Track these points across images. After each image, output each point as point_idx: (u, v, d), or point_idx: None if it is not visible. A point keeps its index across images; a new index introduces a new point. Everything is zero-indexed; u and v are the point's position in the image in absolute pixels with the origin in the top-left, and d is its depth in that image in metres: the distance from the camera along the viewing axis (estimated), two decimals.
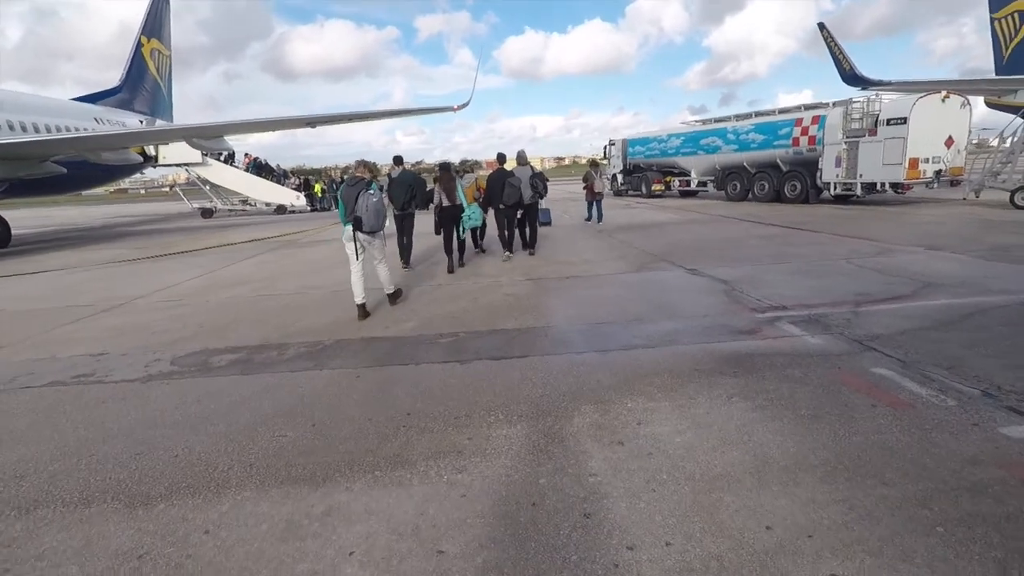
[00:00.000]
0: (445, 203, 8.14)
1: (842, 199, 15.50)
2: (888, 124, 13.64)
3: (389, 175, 8.35)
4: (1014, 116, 13.60)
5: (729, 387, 3.38)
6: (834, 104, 15.46)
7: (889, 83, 15.63)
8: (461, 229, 8.32)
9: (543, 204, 10.73)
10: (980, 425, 2.74)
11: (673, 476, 2.45)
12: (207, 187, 23.97)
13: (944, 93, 13.46)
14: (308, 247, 12.08)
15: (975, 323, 4.40)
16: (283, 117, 15.01)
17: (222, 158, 22.94)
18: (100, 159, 15.81)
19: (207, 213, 23.76)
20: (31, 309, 6.92)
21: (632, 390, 3.43)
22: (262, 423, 3.25)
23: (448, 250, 8.23)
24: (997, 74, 19.64)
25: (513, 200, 8.70)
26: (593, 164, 14.52)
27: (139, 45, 22.18)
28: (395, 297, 6.21)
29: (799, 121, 16.06)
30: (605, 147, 26.13)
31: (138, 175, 38.06)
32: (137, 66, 22.37)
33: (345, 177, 12.06)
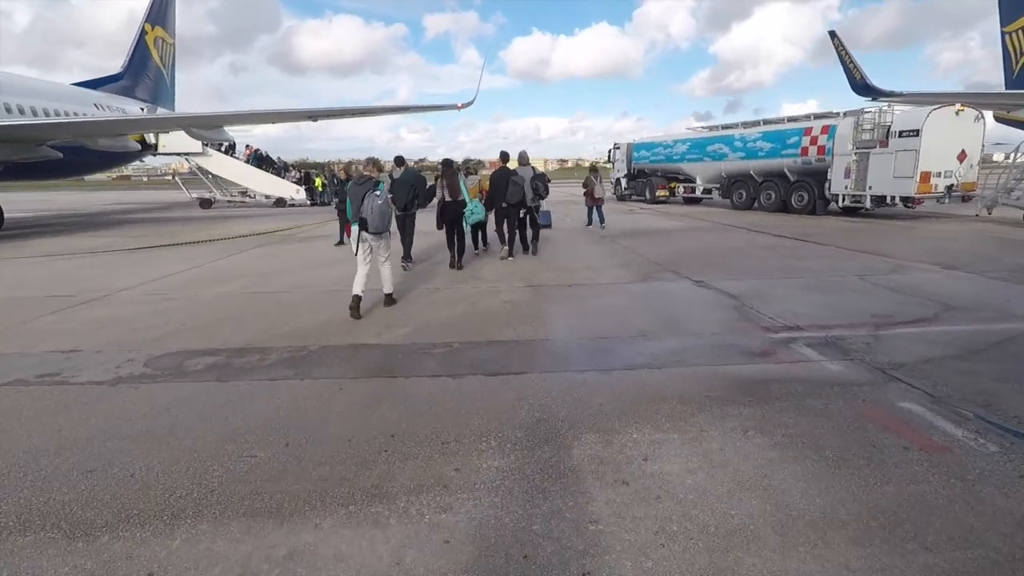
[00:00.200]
0: (448, 199, 8.09)
1: (850, 211, 15.19)
2: (900, 136, 13.34)
3: (391, 175, 8.19)
4: None
5: (744, 418, 3.09)
6: (845, 114, 15.17)
7: (900, 94, 15.33)
8: (464, 225, 8.20)
9: (544, 206, 10.53)
10: None
11: (685, 528, 2.16)
12: (209, 178, 23.67)
13: (958, 106, 13.17)
14: (304, 242, 11.80)
15: (1005, 353, 4.11)
16: (284, 110, 14.77)
17: (223, 149, 22.64)
18: (97, 145, 15.50)
19: (206, 203, 23.45)
20: (11, 297, 6.63)
21: (637, 417, 3.14)
22: (231, 439, 2.97)
23: (451, 245, 8.20)
24: (1007, 88, 19.36)
25: (517, 198, 8.59)
26: (593, 169, 14.29)
27: (143, 32, 21.88)
28: (389, 299, 5.97)
29: (808, 130, 15.76)
30: (610, 151, 25.86)
31: (141, 163, 37.83)
32: (140, 53, 22.07)
33: (343, 172, 11.81)
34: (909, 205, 13.78)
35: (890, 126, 13.60)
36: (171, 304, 6.16)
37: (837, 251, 9.21)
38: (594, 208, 13.44)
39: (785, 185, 16.49)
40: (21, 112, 14.26)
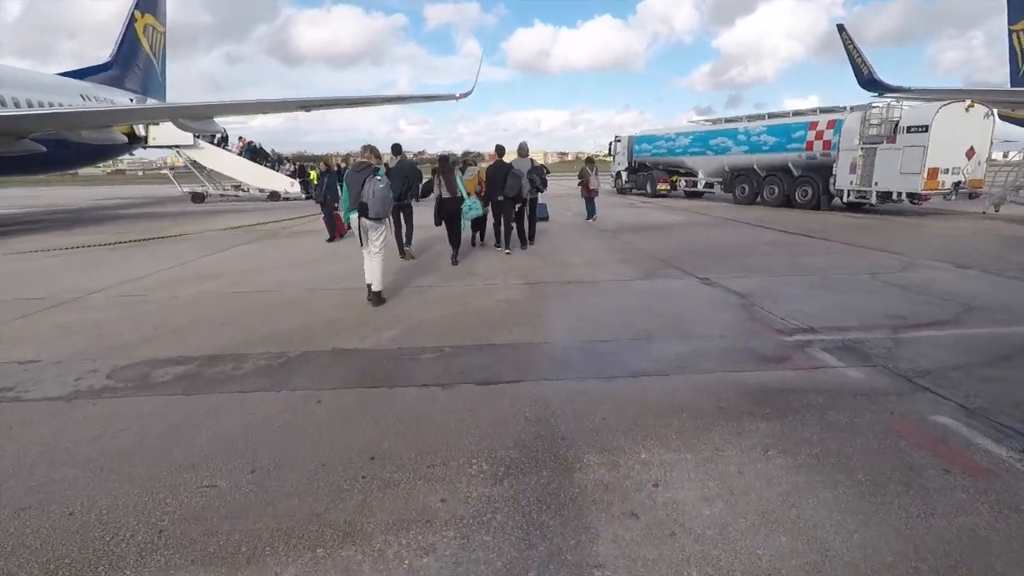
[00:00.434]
0: (445, 195, 7.87)
1: (854, 207, 14.87)
2: (908, 131, 13.00)
3: (387, 165, 7.93)
4: None
5: (763, 435, 2.79)
6: (851, 109, 14.82)
7: (908, 89, 14.98)
8: (461, 221, 8.01)
9: (541, 199, 10.29)
10: None
11: (705, 573, 1.86)
12: (204, 172, 23.19)
13: (968, 102, 12.84)
14: (295, 237, 11.45)
15: None
16: (275, 99, 14.36)
17: (215, 141, 22.16)
18: (81, 138, 15.02)
19: (198, 198, 22.99)
20: None
21: (644, 433, 2.84)
22: (191, 465, 2.64)
23: (452, 241, 8.05)
24: (1012, 86, 19.05)
25: (515, 191, 8.47)
26: (588, 161, 14.14)
27: (132, 20, 21.30)
28: (378, 298, 5.66)
29: (814, 124, 15.40)
30: (610, 144, 25.46)
31: (135, 156, 37.14)
32: (129, 42, 21.51)
33: (324, 164, 11.61)
34: (915, 201, 13.47)
35: (898, 121, 13.26)
36: (147, 307, 5.82)
37: (844, 247, 8.91)
38: (590, 200, 13.31)
39: (789, 180, 16.13)
40: (2, 104, 13.79)
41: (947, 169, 12.82)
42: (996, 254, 8.17)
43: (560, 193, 22.52)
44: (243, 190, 23.54)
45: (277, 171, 23.39)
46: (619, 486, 2.38)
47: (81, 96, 17.40)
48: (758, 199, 17.19)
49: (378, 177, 5.42)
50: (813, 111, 16.17)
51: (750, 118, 18.12)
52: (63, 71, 19.53)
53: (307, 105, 15.57)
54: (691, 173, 20.66)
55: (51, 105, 15.28)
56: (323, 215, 10.96)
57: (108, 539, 2.10)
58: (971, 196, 13.70)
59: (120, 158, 38.11)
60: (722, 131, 18.84)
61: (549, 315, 5.24)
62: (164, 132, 19.33)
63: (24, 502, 2.36)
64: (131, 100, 20.41)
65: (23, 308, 5.78)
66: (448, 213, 7.94)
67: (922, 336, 4.36)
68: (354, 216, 5.50)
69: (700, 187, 20.32)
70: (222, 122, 21.84)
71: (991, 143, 13.61)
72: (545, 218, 12.60)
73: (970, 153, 12.99)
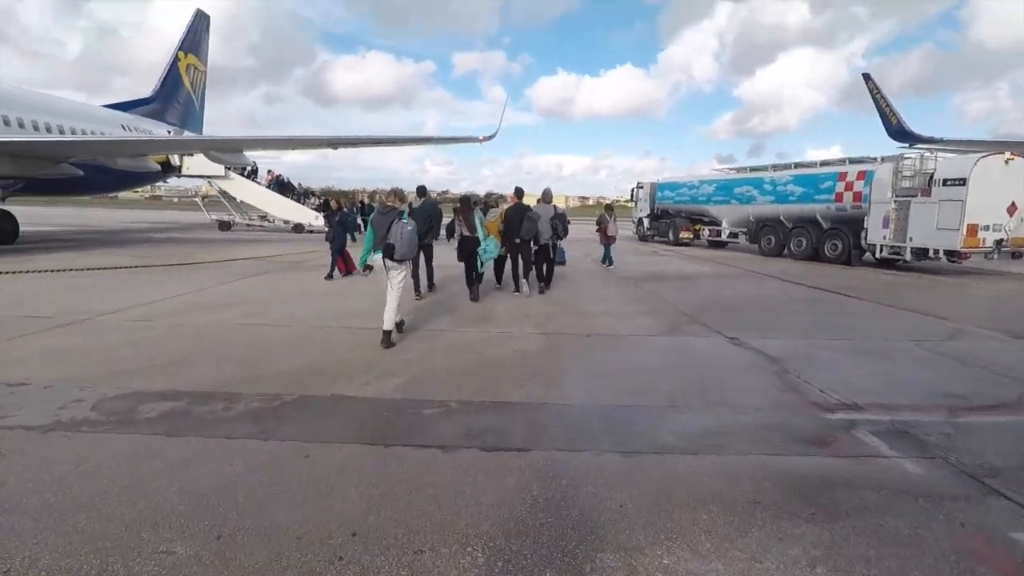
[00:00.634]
0: (465, 233, 8.26)
1: (887, 263, 14.27)
2: (944, 185, 12.53)
3: (410, 205, 8.21)
4: None
5: (808, 543, 2.37)
6: (883, 159, 14.48)
7: (940, 140, 14.61)
8: (479, 262, 8.16)
9: (560, 244, 10.20)
10: None
11: None
12: (233, 202, 23.85)
13: (1008, 154, 12.38)
14: (313, 271, 11.39)
15: None
16: (304, 137, 14.72)
17: (245, 173, 22.85)
18: (116, 164, 15.58)
19: (225, 226, 23.53)
20: None
21: (669, 530, 2.44)
22: (153, 523, 2.35)
23: (469, 281, 8.28)
24: None
25: (530, 235, 8.51)
26: (608, 208, 14.02)
27: (176, 59, 22.55)
28: (387, 338, 5.44)
29: (843, 175, 15.07)
30: (632, 190, 25.47)
31: (171, 184, 38.67)
32: (172, 79, 22.68)
33: (336, 203, 11.95)
34: (954, 260, 12.83)
35: (932, 173, 12.85)
36: (150, 333, 5.67)
37: (883, 309, 8.40)
38: (608, 247, 13.24)
39: (817, 232, 15.68)
40: (48, 130, 14.41)
41: (987, 226, 12.24)
42: None
43: (580, 238, 22.40)
44: (269, 221, 24.06)
45: (303, 204, 23.91)
46: None
47: (122, 126, 18.20)
48: (784, 251, 16.73)
49: (405, 220, 5.49)
50: (841, 161, 15.87)
51: (776, 167, 17.91)
52: (108, 103, 20.54)
53: (335, 143, 15.93)
54: (715, 222, 20.38)
55: (92, 133, 15.96)
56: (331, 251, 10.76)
57: None
58: (1014, 256, 13.05)
59: (157, 184, 39.87)
60: (747, 180, 18.63)
61: (566, 371, 4.90)
62: (197, 163, 20.01)
63: None
64: (168, 132, 21.33)
65: (28, 326, 5.70)
66: (467, 252, 8.23)
67: (984, 422, 3.88)
68: (377, 256, 5.55)
69: (724, 236, 19.97)
70: (254, 156, 22.59)
71: None
72: (563, 262, 12.42)
73: (1012, 209, 12.42)
